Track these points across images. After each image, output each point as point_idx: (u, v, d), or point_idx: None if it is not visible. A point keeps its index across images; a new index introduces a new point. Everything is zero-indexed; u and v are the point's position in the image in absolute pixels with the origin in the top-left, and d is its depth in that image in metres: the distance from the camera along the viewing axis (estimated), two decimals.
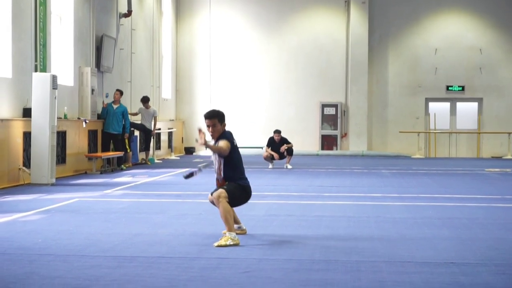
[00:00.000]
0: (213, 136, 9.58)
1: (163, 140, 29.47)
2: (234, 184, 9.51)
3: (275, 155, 23.33)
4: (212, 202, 9.66)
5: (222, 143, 9.47)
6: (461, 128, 33.41)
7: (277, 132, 23.64)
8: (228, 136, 9.56)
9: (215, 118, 9.54)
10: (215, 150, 9.48)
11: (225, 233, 9.24)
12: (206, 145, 9.44)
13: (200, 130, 9.56)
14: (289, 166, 23.25)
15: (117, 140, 22.53)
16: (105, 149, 22.43)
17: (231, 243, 9.02)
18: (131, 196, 15.01)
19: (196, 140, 9.53)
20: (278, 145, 23.43)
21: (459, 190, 16.86)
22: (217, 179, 9.69)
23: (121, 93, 22.84)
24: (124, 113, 22.57)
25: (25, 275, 7.33)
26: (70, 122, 20.09)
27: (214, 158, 9.63)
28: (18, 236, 9.72)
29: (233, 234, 9.14)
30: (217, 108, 9.99)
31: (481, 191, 16.68)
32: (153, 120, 25.28)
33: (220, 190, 9.33)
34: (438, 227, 10.87)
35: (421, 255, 8.55)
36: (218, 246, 8.97)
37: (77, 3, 21.28)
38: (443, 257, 8.43)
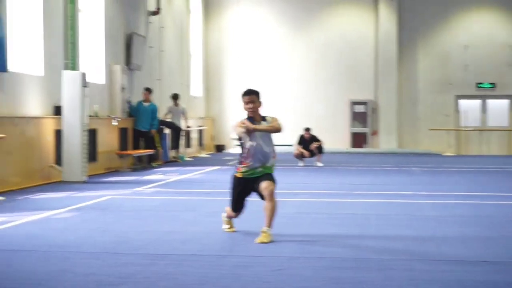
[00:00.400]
0: (253, 113, 9.44)
1: (193, 138, 29.54)
2: (273, 175, 9.52)
3: (305, 152, 23.30)
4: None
5: (276, 121, 9.49)
6: (492, 125, 33.21)
7: (307, 129, 23.61)
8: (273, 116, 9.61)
9: (254, 94, 9.49)
10: (270, 129, 9.40)
11: (264, 231, 9.21)
12: (256, 129, 9.32)
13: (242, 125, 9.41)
14: (320, 164, 23.22)
15: (147, 137, 22.60)
16: (135, 146, 22.53)
17: (271, 239, 9.10)
18: (162, 194, 15.06)
19: (244, 131, 9.29)
20: (308, 143, 23.41)
21: (491, 188, 16.75)
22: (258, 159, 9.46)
23: (150, 91, 22.84)
24: (154, 111, 22.62)
25: (58, 272, 7.38)
26: (100, 120, 20.19)
27: (258, 139, 9.42)
28: (51, 233, 9.78)
29: (271, 230, 9.18)
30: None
31: None
32: (183, 118, 25.37)
33: (272, 183, 9.31)
34: (470, 225, 10.81)
35: (453, 253, 8.51)
36: (261, 243, 9.00)
37: (106, 1, 21.40)
38: (475, 255, 8.38)
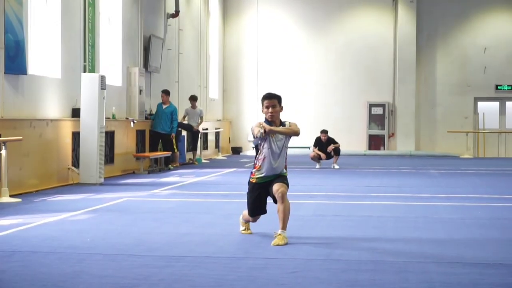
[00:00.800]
0: (273, 118, 9.37)
1: (210, 140, 29.58)
2: (287, 177, 9.48)
3: (322, 155, 23.26)
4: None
5: (293, 125, 9.44)
6: (510, 127, 33.06)
7: (324, 132, 23.56)
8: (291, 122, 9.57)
9: (275, 98, 9.41)
10: (288, 132, 9.37)
11: (279, 234, 9.15)
12: (273, 130, 9.26)
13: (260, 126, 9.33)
14: (336, 166, 23.19)
15: (165, 139, 22.63)
16: (153, 148, 22.57)
17: (287, 242, 9.06)
18: (179, 196, 15.08)
19: (263, 132, 9.21)
20: (325, 145, 23.37)
21: (509, 191, 16.67)
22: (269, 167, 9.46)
23: (167, 93, 22.87)
24: (173, 113, 22.64)
25: (74, 273, 7.40)
26: (118, 122, 20.25)
27: (273, 146, 9.39)
28: (67, 235, 9.81)
29: (286, 232, 9.15)
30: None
31: None
32: (199, 120, 25.40)
33: (283, 185, 9.26)
34: (487, 228, 10.76)
35: (470, 256, 8.47)
36: (277, 245, 8.95)
37: (125, 4, 21.45)
38: (492, 258, 8.34)
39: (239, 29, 33.84)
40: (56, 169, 16.68)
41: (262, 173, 9.47)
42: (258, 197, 9.56)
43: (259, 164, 9.48)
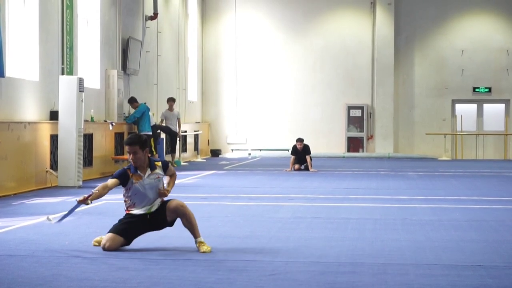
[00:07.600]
0: (136, 163, 8.93)
1: (189, 143, 29.53)
2: None
3: (297, 166, 23.03)
4: (103, 248, 8.80)
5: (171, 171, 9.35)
6: (488, 129, 33.22)
7: (299, 140, 23.24)
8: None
9: (136, 144, 8.92)
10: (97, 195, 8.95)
11: (202, 242, 8.82)
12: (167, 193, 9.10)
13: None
14: (313, 170, 22.89)
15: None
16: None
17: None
18: None
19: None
20: (301, 154, 23.13)
21: (486, 192, 16.75)
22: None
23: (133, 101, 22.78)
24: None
25: (52, 277, 7.37)
26: (96, 125, 20.18)
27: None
28: (45, 238, 9.77)
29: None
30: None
31: (509, 193, 16.57)
32: (177, 122, 25.34)
33: (177, 200, 9.06)
34: (465, 230, 10.81)
35: (448, 258, 8.50)
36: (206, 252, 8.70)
37: (103, 6, 21.39)
38: (470, 260, 8.38)
39: (218, 31, 33.83)
40: (34, 172, 16.60)
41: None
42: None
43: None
